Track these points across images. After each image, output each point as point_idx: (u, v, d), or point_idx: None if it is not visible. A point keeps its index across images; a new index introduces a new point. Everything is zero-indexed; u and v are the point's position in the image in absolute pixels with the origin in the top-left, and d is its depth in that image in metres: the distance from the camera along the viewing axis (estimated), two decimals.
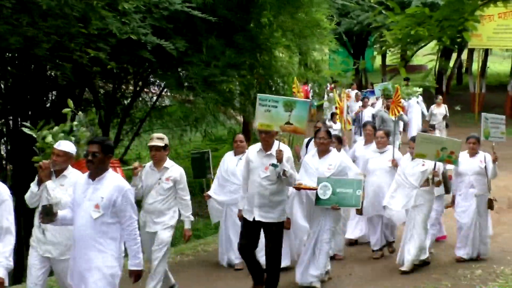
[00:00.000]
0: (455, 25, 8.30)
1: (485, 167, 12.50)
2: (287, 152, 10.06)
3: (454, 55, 40.65)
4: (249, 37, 16.53)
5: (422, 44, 18.96)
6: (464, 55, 40.36)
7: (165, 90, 18.79)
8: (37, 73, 15.90)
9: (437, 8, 8.93)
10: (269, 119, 9.84)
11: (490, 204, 12.72)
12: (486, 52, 36.58)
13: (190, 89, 16.33)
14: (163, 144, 10.18)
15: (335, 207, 10.53)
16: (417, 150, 11.42)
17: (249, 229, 10.17)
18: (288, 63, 18.43)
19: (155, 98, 19.92)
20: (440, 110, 24.93)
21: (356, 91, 28.14)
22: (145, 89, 19.07)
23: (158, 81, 17.62)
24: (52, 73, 16.08)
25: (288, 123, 9.78)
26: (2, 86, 16.80)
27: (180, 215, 10.32)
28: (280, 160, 9.77)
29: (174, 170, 10.22)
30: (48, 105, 17.29)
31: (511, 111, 32.95)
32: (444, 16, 8.21)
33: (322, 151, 10.77)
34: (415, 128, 24.71)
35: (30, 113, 16.74)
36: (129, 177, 9.86)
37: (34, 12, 12.29)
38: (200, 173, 12.78)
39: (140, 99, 19.43)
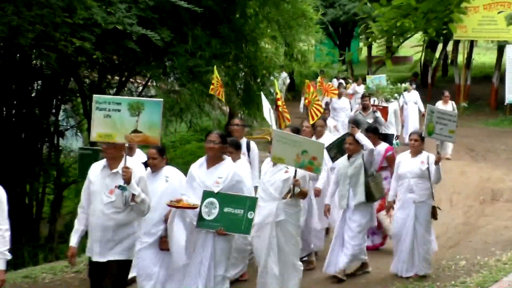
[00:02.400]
0: (440, 17, 8.32)
1: (428, 169, 10.95)
2: (139, 170, 8.06)
3: (440, 47, 40.72)
4: (234, 28, 16.51)
5: (408, 36, 19.01)
6: (450, 47, 40.44)
7: (150, 80, 18.73)
8: (22, 62, 15.82)
9: (423, 0, 8.95)
10: (110, 127, 7.75)
11: (434, 213, 11.09)
12: (472, 44, 36.66)
13: (175, 79, 16.31)
14: None
15: (220, 231, 8.47)
16: (274, 152, 9.49)
17: (94, 272, 8.20)
18: (274, 54, 18.41)
19: (140, 88, 19.86)
20: (447, 107, 21.76)
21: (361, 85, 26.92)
22: (131, 79, 19.00)
23: (143, 71, 17.54)
24: (37, 63, 16.01)
25: (136, 131, 7.71)
26: None
27: None
28: (127, 180, 7.73)
29: None
30: (33, 94, 17.22)
31: (496, 103, 33.10)
32: (430, 8, 8.24)
33: (212, 159, 8.68)
34: (411, 128, 23.02)
35: (15, 102, 16.67)
36: None
37: (18, 1, 12.22)
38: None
39: (126, 89, 19.36)
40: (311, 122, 13.24)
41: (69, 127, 18.87)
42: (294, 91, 27.34)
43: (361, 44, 41.08)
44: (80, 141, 19.89)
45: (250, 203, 8.53)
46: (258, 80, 17.47)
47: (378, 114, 17.45)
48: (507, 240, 13.13)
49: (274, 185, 9.78)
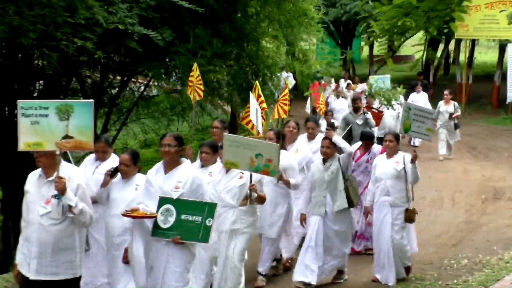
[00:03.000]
0: (441, 16, 8.31)
1: (404, 169, 10.66)
2: (78, 177, 7.38)
3: (441, 46, 40.71)
4: (235, 27, 16.50)
5: (410, 35, 18.96)
6: (451, 46, 40.43)
7: (152, 80, 18.75)
8: (24, 62, 15.83)
9: None
10: (39, 134, 7.14)
11: (410, 217, 10.76)
12: (473, 43, 36.67)
13: (177, 79, 16.31)
14: None
15: (176, 240, 7.69)
16: (226, 157, 9.08)
17: None
18: (275, 53, 18.41)
19: (142, 88, 19.88)
20: (448, 107, 21.43)
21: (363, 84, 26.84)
22: (132, 79, 19.02)
23: (145, 71, 17.56)
24: (39, 63, 16.01)
25: (67, 136, 7.08)
26: None
27: None
28: (61, 191, 7.06)
29: None
30: (35, 94, 17.22)
31: (498, 102, 33.11)
32: (431, 7, 8.22)
33: (169, 164, 7.96)
34: None
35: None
36: None
37: (20, 1, 12.24)
38: None
39: (128, 89, 19.38)
40: (275, 117, 13.04)
41: None
42: (296, 90, 27.23)
43: (362, 43, 41.09)
44: None
45: (209, 210, 7.77)
46: (260, 79, 17.44)
47: (369, 115, 16.93)
48: (509, 239, 13.14)
49: (230, 192, 9.45)
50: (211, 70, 15.69)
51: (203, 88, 13.24)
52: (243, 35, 16.87)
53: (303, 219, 10.90)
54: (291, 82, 25.69)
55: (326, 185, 10.45)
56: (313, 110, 26.75)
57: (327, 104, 23.09)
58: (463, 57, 35.43)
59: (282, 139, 10.86)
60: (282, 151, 10.16)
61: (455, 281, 10.59)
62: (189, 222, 7.73)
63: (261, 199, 9.61)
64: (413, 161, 10.48)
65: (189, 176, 7.89)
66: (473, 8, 27.99)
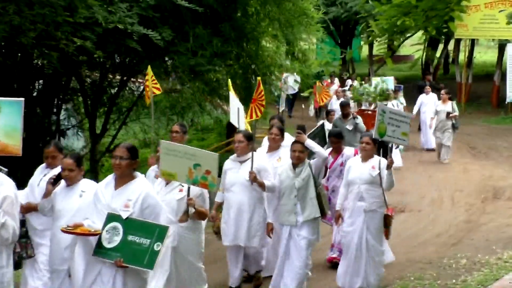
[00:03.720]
0: (441, 15, 8.32)
1: (379, 175, 9.99)
2: (5, 188, 6.89)
3: (441, 45, 40.73)
4: (235, 26, 16.51)
5: (409, 34, 18.95)
6: (451, 45, 40.44)
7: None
8: (24, 62, 15.84)
9: None
10: None
11: (386, 222, 10.19)
12: (473, 42, 36.69)
13: (176, 78, 16.33)
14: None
15: (119, 263, 6.75)
16: (163, 167, 8.31)
17: None
18: (275, 52, 18.42)
19: (142, 87, 19.88)
20: (446, 107, 20.73)
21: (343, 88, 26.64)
22: (132, 79, 19.03)
23: (145, 70, 17.59)
24: (39, 62, 16.02)
25: None
26: None
27: None
28: None
29: None
30: (34, 94, 17.24)
31: (497, 101, 33.12)
32: (430, 6, 8.24)
33: (120, 178, 7.08)
34: (430, 135, 22.02)
35: None
36: None
37: (20, 0, 12.25)
38: None
39: (127, 88, 19.39)
40: (248, 120, 11.79)
41: (70, 126, 18.90)
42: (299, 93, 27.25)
43: (362, 42, 41.13)
44: (81, 140, 19.92)
45: (160, 233, 6.80)
46: (260, 78, 17.46)
47: (359, 120, 16.26)
48: (508, 238, 13.13)
49: (168, 206, 8.41)
50: (211, 70, 15.70)
51: (159, 86, 12.20)
52: (243, 34, 16.88)
53: (270, 229, 10.12)
54: (289, 82, 25.63)
55: (296, 192, 9.69)
56: (316, 112, 26.79)
57: (325, 106, 23.14)
58: (462, 56, 35.46)
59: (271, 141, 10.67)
60: (256, 153, 10.14)
61: (454, 280, 10.59)
62: (135, 244, 6.78)
63: (201, 215, 8.80)
64: (389, 167, 9.90)
65: (141, 194, 6.95)
66: (473, 7, 28.00)
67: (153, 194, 7.19)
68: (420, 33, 18.30)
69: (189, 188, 8.39)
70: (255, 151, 10.38)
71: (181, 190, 8.66)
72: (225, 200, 10.28)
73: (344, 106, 17.12)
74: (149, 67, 12.21)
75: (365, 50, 38.39)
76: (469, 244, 12.92)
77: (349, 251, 10.18)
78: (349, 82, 27.00)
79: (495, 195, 16.94)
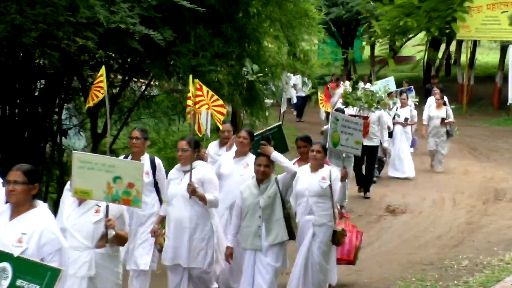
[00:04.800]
0: (443, 16, 8.31)
1: (330, 186, 9.22)
2: None
3: (443, 47, 40.72)
4: (237, 27, 16.48)
5: (411, 35, 18.94)
6: (453, 47, 40.44)
7: (153, 79, 18.76)
8: (25, 61, 15.83)
9: None
10: None
11: (336, 239, 9.42)
12: (475, 44, 36.69)
13: (178, 78, 16.31)
14: None
15: None
16: (76, 184, 7.14)
17: None
18: (277, 53, 18.40)
19: (143, 87, 19.88)
20: (440, 112, 19.84)
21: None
22: (134, 79, 19.03)
23: (146, 70, 17.57)
24: (40, 62, 16.02)
25: None
26: None
27: None
28: None
29: None
30: (36, 93, 17.24)
31: (499, 103, 33.13)
32: (432, 7, 8.22)
33: (16, 207, 6.17)
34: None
35: (18, 101, 16.69)
36: None
37: (21, 0, 12.25)
38: None
39: (129, 88, 19.40)
40: (203, 131, 11.24)
41: (72, 126, 18.87)
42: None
43: (363, 43, 41.09)
44: (83, 140, 19.91)
45: (51, 277, 5.68)
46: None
47: None
48: (510, 240, 13.14)
49: (82, 231, 7.25)
50: (212, 70, 15.66)
51: (102, 92, 10.28)
52: (245, 35, 16.85)
53: (229, 253, 9.00)
54: (299, 85, 25.37)
55: (260, 212, 8.61)
56: (327, 115, 26.52)
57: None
58: (464, 58, 35.47)
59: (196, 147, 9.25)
60: (199, 161, 9.21)
61: (456, 282, 10.60)
62: None
63: (121, 240, 7.49)
64: (343, 179, 9.42)
65: (37, 227, 5.99)
66: (475, 9, 28.01)
67: (53, 227, 6.15)
68: (422, 34, 18.33)
69: (107, 206, 7.14)
70: (202, 159, 9.66)
71: (97, 211, 7.30)
72: (167, 214, 9.30)
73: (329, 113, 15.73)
74: (103, 67, 10.79)
75: (366, 51, 38.38)
76: (471, 246, 12.93)
77: (297, 265, 9.48)
78: (361, 85, 26.22)
79: (497, 197, 16.96)
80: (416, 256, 12.11)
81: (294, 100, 29.66)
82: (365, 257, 12.21)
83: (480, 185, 18.22)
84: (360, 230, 10.08)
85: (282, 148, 11.32)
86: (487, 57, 48.66)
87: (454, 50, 41.12)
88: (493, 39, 35.47)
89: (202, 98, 10.04)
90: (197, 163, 9.10)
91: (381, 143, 17.02)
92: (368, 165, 17.01)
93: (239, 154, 10.22)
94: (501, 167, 20.34)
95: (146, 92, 19.60)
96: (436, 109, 20.13)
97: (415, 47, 39.62)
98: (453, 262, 11.74)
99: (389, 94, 20.12)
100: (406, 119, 19.84)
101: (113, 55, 16.03)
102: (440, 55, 40.53)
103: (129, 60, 16.61)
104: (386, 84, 20.47)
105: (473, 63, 35.79)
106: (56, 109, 17.46)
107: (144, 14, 14.02)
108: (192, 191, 8.78)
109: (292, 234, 8.71)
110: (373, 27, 9.13)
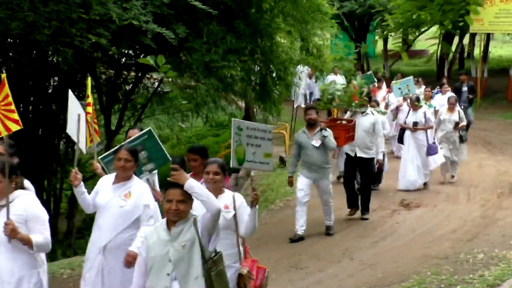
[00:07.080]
0: (456, 9, 8.29)
1: (235, 217, 7.17)
2: None
3: (456, 40, 40.60)
4: (249, 22, 16.48)
5: (424, 29, 18.93)
6: (466, 40, 40.30)
7: (165, 76, 18.82)
8: (39, 58, 15.91)
9: None
10: None
11: (243, 283, 7.06)
12: (488, 37, 36.54)
13: (191, 75, 16.34)
14: None
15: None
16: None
17: None
18: (290, 48, 18.39)
19: (156, 83, 19.93)
20: (453, 115, 17.44)
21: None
22: (147, 75, 19.07)
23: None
24: (54, 59, 16.08)
25: None
26: (4, 71, 16.83)
27: None
28: None
29: None
30: (50, 90, 17.31)
31: None
32: (446, 0, 8.20)
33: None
34: None
35: (32, 99, 16.76)
36: None
37: None
38: None
39: (142, 84, 19.45)
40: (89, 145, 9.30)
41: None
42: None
43: (376, 37, 41.00)
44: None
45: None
46: (274, 74, 17.43)
47: (327, 133, 12.71)
48: None
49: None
50: (225, 66, 15.68)
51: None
52: (257, 30, 16.85)
53: None
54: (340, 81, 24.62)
55: (171, 267, 5.93)
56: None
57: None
58: (478, 51, 35.33)
59: None
60: (20, 191, 6.82)
61: (471, 275, 10.53)
62: None
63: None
64: (252, 204, 7.17)
65: None
66: (488, 2, 27.94)
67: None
68: (435, 27, 18.28)
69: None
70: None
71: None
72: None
73: (308, 109, 13.51)
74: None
75: (379, 46, 38.26)
76: (485, 240, 12.85)
77: None
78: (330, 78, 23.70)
79: (511, 190, 16.86)
80: (430, 250, 12.06)
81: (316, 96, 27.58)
82: (379, 252, 12.18)
83: (495, 178, 18.14)
84: (262, 266, 7.99)
85: (160, 159, 8.90)
86: (500, 50, 48.47)
87: (467, 44, 40.97)
88: (507, 32, 35.34)
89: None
90: (17, 194, 6.75)
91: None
92: (364, 181, 14.69)
93: (120, 179, 7.88)
94: None
95: (159, 88, 19.66)
96: (447, 112, 17.68)
97: (428, 40, 39.50)
98: (468, 256, 11.67)
99: (404, 98, 19.56)
100: (415, 123, 17.03)
101: (126, 51, 16.05)
102: (453, 48, 40.41)
103: (142, 56, 16.65)
104: (406, 85, 19.89)
105: (486, 57, 35.65)
106: None
107: (156, 11, 14.05)
108: (11, 231, 6.47)
109: None
110: (386, 21, 9.11)
